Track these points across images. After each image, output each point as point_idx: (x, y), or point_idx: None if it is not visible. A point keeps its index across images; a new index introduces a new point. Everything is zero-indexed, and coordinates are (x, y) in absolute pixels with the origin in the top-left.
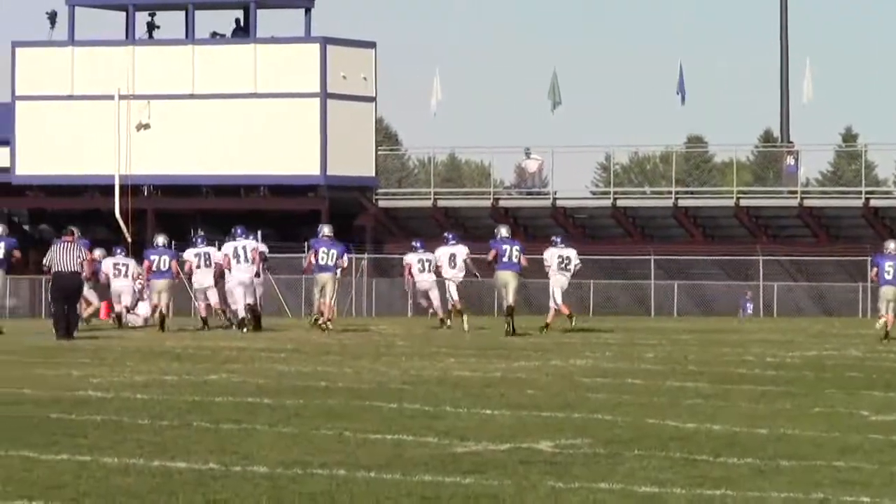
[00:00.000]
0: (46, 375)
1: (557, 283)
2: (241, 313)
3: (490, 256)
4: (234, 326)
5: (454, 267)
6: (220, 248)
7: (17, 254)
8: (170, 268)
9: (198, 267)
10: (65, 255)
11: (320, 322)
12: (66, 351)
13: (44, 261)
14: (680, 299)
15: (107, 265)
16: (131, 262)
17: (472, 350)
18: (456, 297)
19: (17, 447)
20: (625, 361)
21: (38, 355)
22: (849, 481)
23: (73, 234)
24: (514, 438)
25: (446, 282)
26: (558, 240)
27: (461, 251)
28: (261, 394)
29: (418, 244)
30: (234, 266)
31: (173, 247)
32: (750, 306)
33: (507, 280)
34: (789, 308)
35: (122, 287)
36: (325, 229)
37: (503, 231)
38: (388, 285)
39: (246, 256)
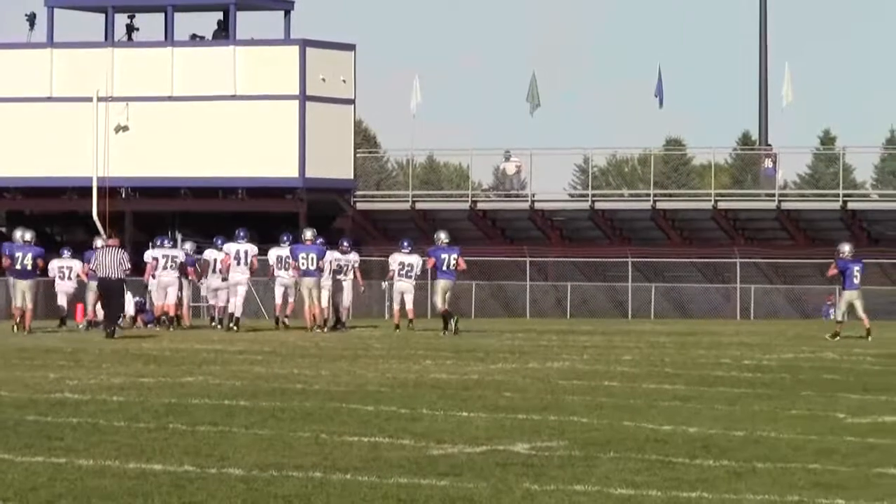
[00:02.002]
0: (23, 377)
1: (398, 288)
2: (237, 313)
3: (429, 265)
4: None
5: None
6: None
7: (40, 262)
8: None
9: (154, 269)
10: (108, 260)
11: (310, 326)
12: (43, 353)
13: (90, 265)
14: (657, 301)
15: (52, 267)
16: (76, 263)
17: (450, 352)
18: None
19: None
20: (602, 364)
21: (16, 357)
22: (825, 484)
23: (116, 239)
24: (490, 441)
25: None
26: (405, 244)
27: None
28: (237, 396)
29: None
30: (234, 267)
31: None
32: (832, 311)
33: (445, 288)
34: (766, 310)
35: (68, 287)
36: (308, 233)
37: (442, 237)
38: (365, 287)
39: (246, 260)
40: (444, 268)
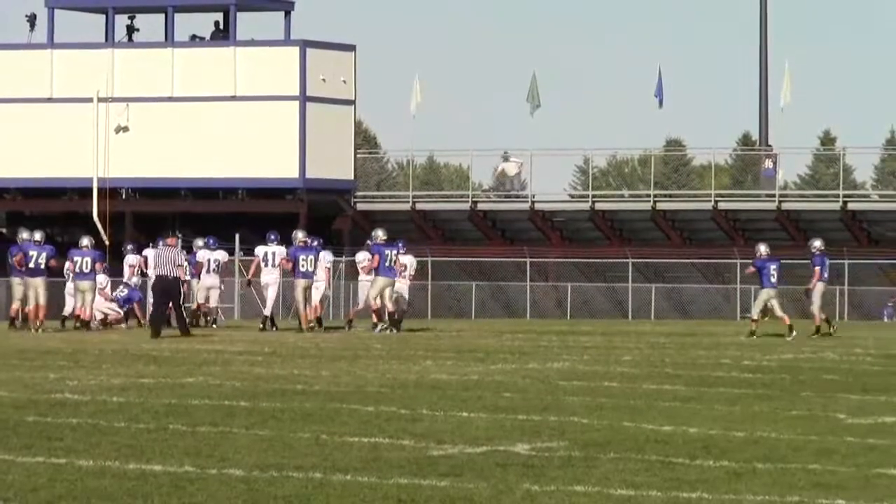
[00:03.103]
0: (23, 378)
1: (394, 288)
2: (267, 313)
3: (374, 262)
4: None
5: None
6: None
7: (52, 262)
8: (92, 269)
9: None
10: (165, 259)
11: (306, 327)
12: (43, 353)
13: (145, 263)
14: (657, 302)
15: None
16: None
17: (450, 353)
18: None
19: None
20: (602, 364)
21: (16, 357)
22: (825, 484)
23: (173, 238)
24: (490, 441)
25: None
26: (399, 245)
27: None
28: (237, 397)
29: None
30: (264, 269)
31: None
32: (892, 311)
33: (388, 285)
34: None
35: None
36: (300, 234)
37: (380, 234)
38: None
39: (275, 262)
40: (387, 264)
